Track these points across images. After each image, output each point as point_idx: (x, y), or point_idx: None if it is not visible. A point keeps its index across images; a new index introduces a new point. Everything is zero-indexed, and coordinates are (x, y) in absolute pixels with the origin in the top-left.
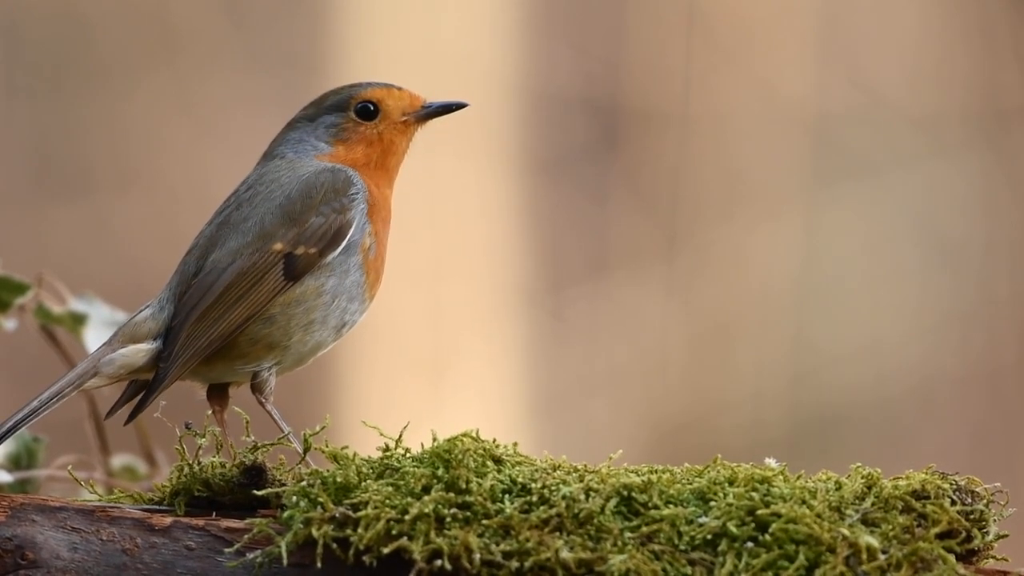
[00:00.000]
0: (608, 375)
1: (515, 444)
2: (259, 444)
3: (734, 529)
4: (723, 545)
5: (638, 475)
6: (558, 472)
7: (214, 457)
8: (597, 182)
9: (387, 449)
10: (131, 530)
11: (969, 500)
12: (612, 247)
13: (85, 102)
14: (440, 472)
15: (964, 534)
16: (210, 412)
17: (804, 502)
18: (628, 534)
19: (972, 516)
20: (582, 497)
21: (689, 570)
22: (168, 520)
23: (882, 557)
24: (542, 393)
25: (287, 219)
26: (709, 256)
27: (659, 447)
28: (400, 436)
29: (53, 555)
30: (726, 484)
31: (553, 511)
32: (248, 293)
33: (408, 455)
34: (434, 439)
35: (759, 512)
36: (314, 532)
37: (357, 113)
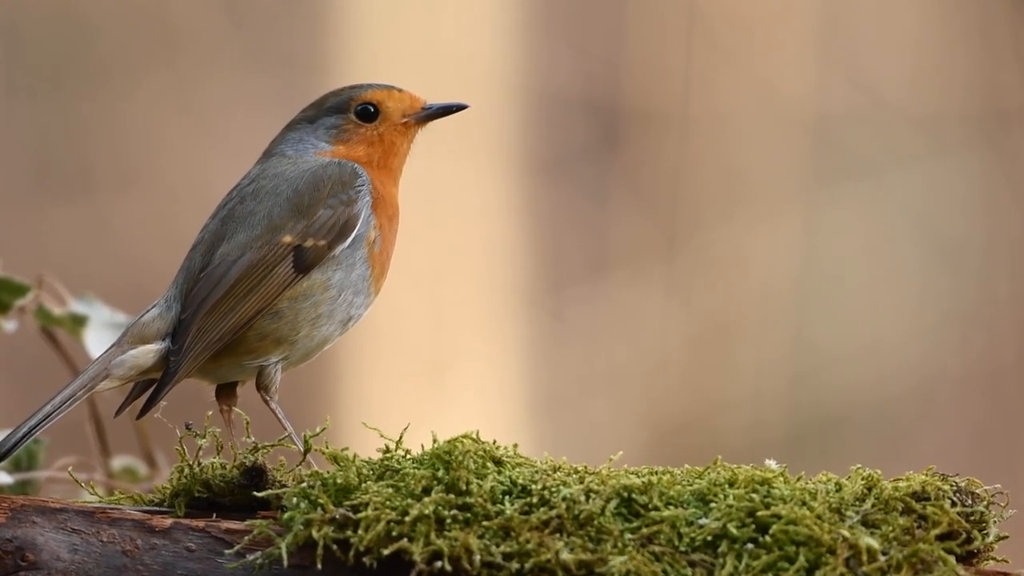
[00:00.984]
0: (608, 375)
1: (515, 445)
2: (259, 445)
3: (734, 530)
4: (723, 546)
5: (638, 476)
6: (558, 473)
7: (214, 458)
8: (597, 182)
9: (387, 450)
10: (131, 531)
11: (969, 501)
12: (612, 247)
13: (85, 102)
14: (440, 473)
15: (964, 535)
16: (210, 413)
17: (804, 503)
18: (628, 535)
19: (972, 517)
20: (582, 498)
21: (689, 571)
22: (168, 521)
23: (882, 558)
24: (542, 393)
25: (296, 212)
26: (709, 256)
27: (659, 448)
28: (400, 437)
29: (53, 556)
30: (726, 485)
31: (553, 512)
32: (259, 286)
33: (408, 456)
34: (434, 440)
35: (759, 513)
36: (314, 533)
37: (357, 115)
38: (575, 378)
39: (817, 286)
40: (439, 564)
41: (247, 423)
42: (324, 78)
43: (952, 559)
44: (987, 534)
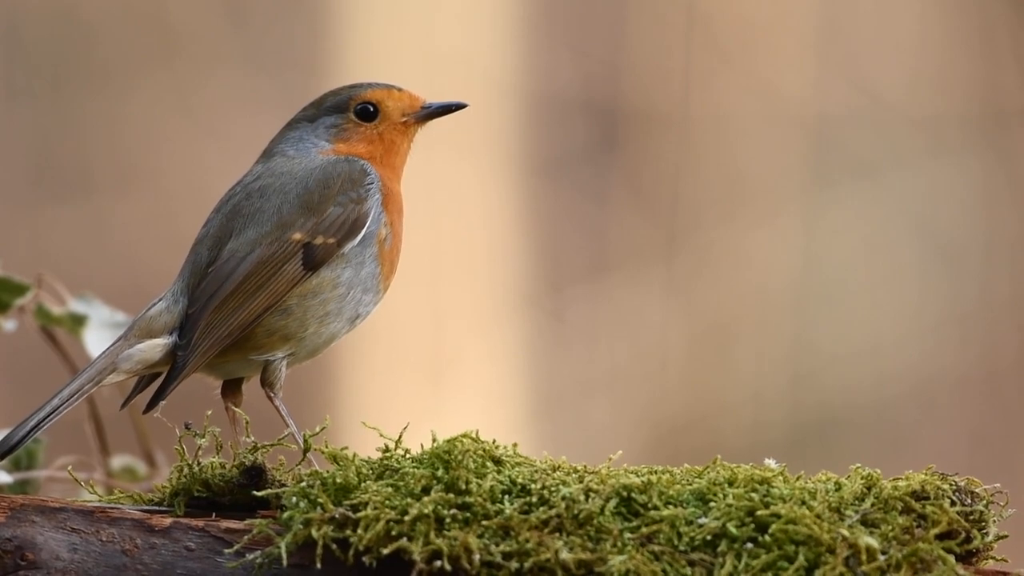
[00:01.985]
0: (608, 375)
1: (515, 445)
2: (259, 444)
3: (734, 530)
4: (723, 546)
5: (638, 476)
6: (558, 473)
7: (214, 457)
8: (597, 183)
9: (387, 450)
10: (131, 531)
11: (969, 501)
12: (612, 247)
13: (85, 102)
14: (440, 473)
15: (964, 535)
16: (210, 412)
17: (804, 503)
18: (628, 535)
19: (972, 517)
20: (582, 498)
21: (689, 571)
22: (168, 521)
23: (882, 558)
24: (542, 393)
25: (305, 209)
26: (709, 256)
27: (659, 448)
28: (400, 437)
29: (53, 556)
30: (726, 485)
31: (553, 512)
32: (268, 282)
33: (408, 456)
34: (434, 440)
35: (759, 513)
36: (314, 533)
37: (357, 114)
38: (575, 378)
39: (817, 286)
40: (438, 563)
41: (247, 422)
42: (324, 78)
43: (951, 558)
44: (986, 533)
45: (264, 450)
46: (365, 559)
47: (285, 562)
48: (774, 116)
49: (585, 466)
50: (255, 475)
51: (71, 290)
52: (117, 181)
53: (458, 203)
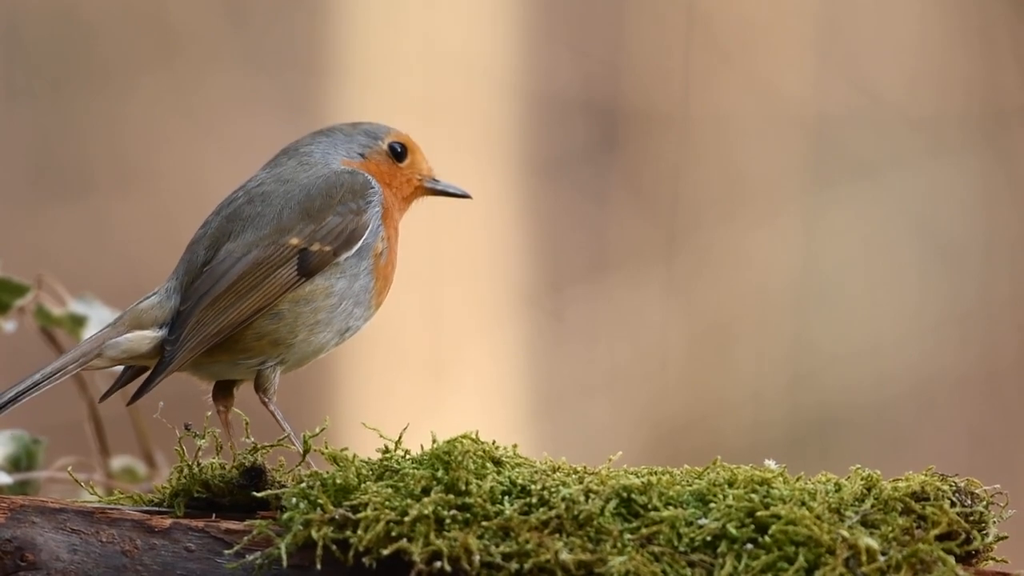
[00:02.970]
0: (608, 375)
1: (515, 445)
2: (259, 445)
3: (734, 531)
4: (723, 547)
5: (638, 477)
6: (558, 474)
7: (214, 458)
8: (597, 183)
9: (387, 450)
10: (131, 532)
11: (969, 502)
12: (612, 247)
13: (85, 102)
14: (440, 474)
15: (964, 536)
16: (209, 413)
17: (804, 504)
18: (628, 536)
19: (972, 518)
20: (582, 499)
21: (689, 572)
22: (168, 522)
23: (882, 559)
24: (542, 393)
25: (305, 215)
26: (709, 256)
27: (659, 448)
28: (400, 437)
29: (53, 557)
30: (726, 486)
31: (553, 513)
32: (261, 284)
33: (408, 456)
34: (434, 440)
35: (759, 514)
36: (314, 534)
37: (389, 147)
38: (575, 378)
39: (817, 286)
40: (438, 564)
41: (246, 424)
42: (324, 79)
43: (951, 559)
44: (986, 534)
45: (264, 451)
46: (365, 560)
47: (285, 563)
48: (774, 116)
49: (585, 467)
50: (255, 476)
51: (71, 291)
52: (117, 181)
53: (458, 203)
